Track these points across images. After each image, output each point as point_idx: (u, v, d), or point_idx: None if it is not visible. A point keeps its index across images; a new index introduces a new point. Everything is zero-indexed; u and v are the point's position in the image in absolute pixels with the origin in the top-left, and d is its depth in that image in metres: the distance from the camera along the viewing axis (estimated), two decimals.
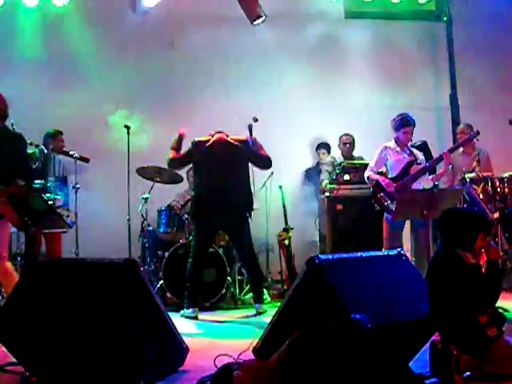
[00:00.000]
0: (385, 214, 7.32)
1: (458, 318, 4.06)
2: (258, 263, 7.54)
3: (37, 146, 7.55)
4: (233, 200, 7.19)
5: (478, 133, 7.43)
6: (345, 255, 4.45)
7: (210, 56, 9.60)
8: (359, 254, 4.50)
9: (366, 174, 7.53)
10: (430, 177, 7.32)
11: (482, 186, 7.51)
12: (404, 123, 7.35)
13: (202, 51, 9.56)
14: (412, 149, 7.46)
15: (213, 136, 7.30)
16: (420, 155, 7.44)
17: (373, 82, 9.91)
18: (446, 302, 4.09)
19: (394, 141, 7.45)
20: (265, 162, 7.49)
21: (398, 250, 4.72)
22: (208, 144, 7.24)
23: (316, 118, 9.50)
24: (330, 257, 4.20)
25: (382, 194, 7.20)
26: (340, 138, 9.26)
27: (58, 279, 4.38)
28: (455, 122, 10.04)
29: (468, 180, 7.57)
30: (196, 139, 7.29)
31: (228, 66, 9.59)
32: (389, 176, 7.36)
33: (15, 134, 6.41)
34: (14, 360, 4.50)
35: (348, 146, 9.12)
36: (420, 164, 7.25)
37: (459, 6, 10.31)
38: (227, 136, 7.36)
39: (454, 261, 4.10)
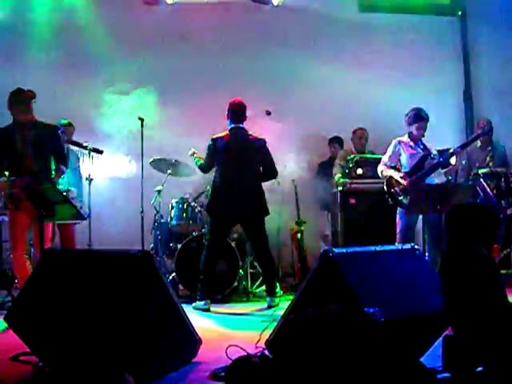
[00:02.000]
0: (398, 208, 7.31)
1: (475, 314, 4.04)
2: (271, 257, 7.52)
3: None
4: (249, 194, 7.22)
5: (491, 128, 7.41)
6: (358, 249, 4.44)
7: (222, 47, 9.58)
8: (373, 248, 4.49)
9: (380, 168, 7.51)
10: (443, 171, 7.29)
11: (495, 181, 7.50)
12: (417, 118, 7.34)
13: (214, 42, 9.55)
14: (426, 143, 7.43)
15: (231, 131, 7.31)
16: (434, 150, 7.41)
17: (386, 76, 9.87)
18: (464, 298, 4.08)
19: (407, 135, 7.44)
20: (272, 172, 7.54)
21: (412, 244, 4.72)
22: (226, 139, 7.25)
23: (329, 111, 9.49)
24: (344, 250, 4.19)
25: (395, 189, 7.18)
26: (354, 132, 9.25)
27: (72, 270, 4.41)
28: (469, 117, 10.02)
29: (481, 175, 7.57)
30: (214, 136, 7.29)
31: (241, 58, 9.56)
32: (402, 170, 7.34)
33: (47, 125, 6.57)
34: (28, 350, 4.55)
35: (363, 140, 9.12)
36: (434, 159, 7.23)
37: (474, 0, 10.27)
38: (247, 132, 7.37)
39: (473, 256, 4.08)
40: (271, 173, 7.51)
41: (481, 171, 7.61)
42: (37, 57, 8.96)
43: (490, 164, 7.61)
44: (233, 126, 7.32)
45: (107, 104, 8.69)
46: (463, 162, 7.58)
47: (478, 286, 3.98)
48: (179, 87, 9.21)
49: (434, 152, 7.36)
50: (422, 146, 7.38)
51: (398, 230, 7.30)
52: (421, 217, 7.26)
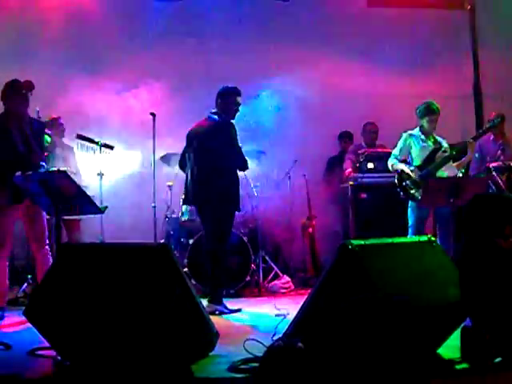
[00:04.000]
0: (409, 202, 7.31)
1: (494, 305, 4.05)
2: (214, 257, 6.84)
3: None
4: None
5: (501, 121, 7.38)
6: (376, 241, 4.45)
7: (233, 42, 9.58)
8: (390, 241, 4.50)
9: (390, 162, 7.50)
10: (455, 164, 7.27)
11: (506, 174, 7.49)
12: (428, 111, 7.34)
13: (225, 37, 9.56)
14: (437, 136, 7.43)
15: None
16: (445, 143, 7.41)
17: (396, 70, 9.86)
18: (484, 289, 4.08)
19: (418, 129, 7.44)
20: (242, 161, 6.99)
21: (429, 236, 4.72)
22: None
23: (338, 106, 9.48)
24: (363, 242, 4.20)
25: (407, 182, 7.18)
26: (364, 127, 9.27)
27: (90, 264, 4.42)
28: (478, 110, 10.00)
29: (493, 168, 7.56)
30: None
31: (252, 54, 9.54)
32: (414, 164, 7.34)
33: (38, 121, 6.50)
34: (46, 345, 4.57)
35: (373, 134, 9.13)
36: (445, 152, 7.23)
37: None
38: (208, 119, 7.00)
39: (493, 248, 4.09)
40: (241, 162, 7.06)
41: (492, 164, 7.59)
42: (47, 52, 8.94)
43: (502, 157, 7.58)
44: None
45: (119, 99, 8.68)
46: (476, 155, 7.56)
47: (499, 278, 4.00)
48: (191, 82, 9.23)
49: (445, 145, 7.35)
50: (432, 140, 7.38)
51: (409, 224, 7.30)
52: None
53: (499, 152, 7.76)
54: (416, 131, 7.44)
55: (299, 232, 8.87)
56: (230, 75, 8.77)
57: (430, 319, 4.19)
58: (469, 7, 10.36)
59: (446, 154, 7.21)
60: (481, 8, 10.24)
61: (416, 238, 4.84)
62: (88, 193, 6.01)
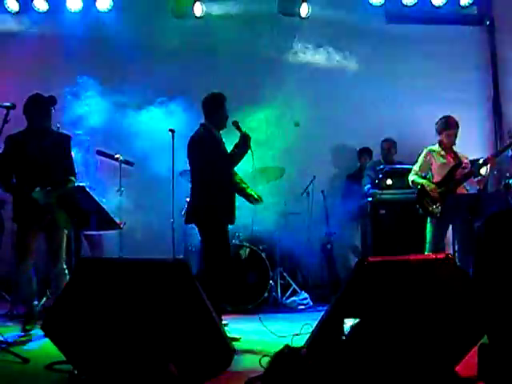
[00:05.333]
0: (428, 218, 7.29)
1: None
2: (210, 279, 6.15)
3: None
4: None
5: None
6: (394, 258, 4.45)
7: (249, 59, 9.61)
8: (407, 258, 4.50)
9: (411, 177, 7.49)
10: (476, 179, 7.24)
11: None
12: (447, 126, 7.34)
13: (241, 54, 9.59)
14: (457, 151, 7.41)
15: None
16: (465, 159, 7.39)
17: (414, 87, 9.85)
18: (503, 307, 4.06)
19: (438, 144, 7.43)
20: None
21: (446, 253, 4.70)
22: None
23: (357, 122, 9.49)
24: (380, 259, 4.20)
25: (426, 199, 7.17)
26: (382, 143, 9.28)
27: (108, 278, 4.45)
28: (497, 126, 9.97)
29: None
30: None
31: (268, 70, 9.56)
32: (434, 180, 7.32)
33: (62, 133, 6.54)
34: (63, 359, 4.60)
35: (392, 150, 9.14)
36: (465, 168, 7.21)
37: (501, 10, 10.23)
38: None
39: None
40: None
41: (511, 181, 7.56)
42: (66, 69, 9.02)
43: None
44: None
45: (137, 115, 8.72)
46: (495, 172, 7.54)
47: None
48: None
49: (466, 161, 7.34)
50: (453, 155, 7.36)
51: (427, 240, 7.28)
52: (451, 227, 7.24)
53: None
54: (436, 147, 7.44)
55: (318, 248, 8.85)
56: (244, 92, 8.83)
57: (447, 337, 4.18)
58: (488, 23, 10.34)
59: (467, 171, 7.19)
60: (499, 23, 10.21)
61: (434, 255, 4.81)
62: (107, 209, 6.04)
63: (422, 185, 7.28)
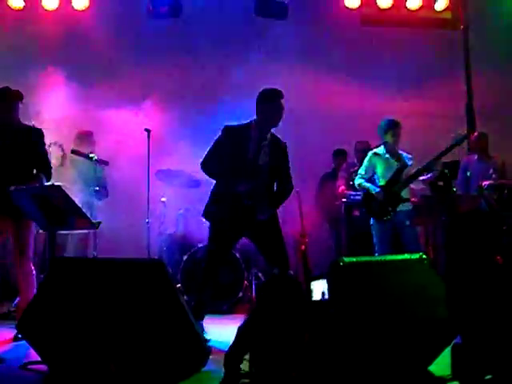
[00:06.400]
0: (371, 220, 7.38)
1: (484, 322, 4.07)
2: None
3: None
4: None
5: (463, 138, 7.46)
6: (368, 258, 4.49)
7: (227, 60, 9.62)
8: (381, 258, 4.54)
9: (357, 181, 7.61)
10: (421, 178, 7.33)
11: (497, 193, 7.53)
12: (391, 125, 7.39)
13: (220, 55, 9.60)
14: (400, 152, 7.48)
15: None
16: (408, 159, 7.46)
17: (389, 89, 9.92)
18: (474, 306, 4.11)
19: (382, 146, 7.48)
20: None
21: (420, 253, 4.75)
22: None
23: (332, 124, 9.54)
24: (354, 259, 4.23)
25: (372, 203, 7.26)
26: (355, 145, 9.31)
27: (83, 278, 4.44)
28: (471, 129, 10.04)
29: (485, 187, 7.60)
30: None
31: (245, 71, 9.56)
32: (379, 183, 7.39)
33: (30, 128, 6.24)
34: (38, 359, 4.58)
35: (364, 153, 9.16)
36: (404, 167, 7.31)
37: (475, 14, 10.32)
38: None
39: (483, 264, 4.13)
40: None
41: (484, 183, 7.64)
42: (42, 70, 8.95)
43: (494, 176, 7.62)
44: None
45: (113, 114, 8.68)
46: (462, 176, 7.65)
47: (488, 294, 4.02)
48: (185, 99, 9.26)
49: (411, 162, 7.39)
50: (397, 157, 7.40)
51: (374, 241, 7.38)
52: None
53: (491, 171, 7.79)
54: (381, 149, 7.49)
55: (292, 249, 8.86)
56: (225, 93, 8.84)
57: (421, 336, 4.22)
58: (462, 27, 10.42)
59: (413, 172, 7.24)
60: (474, 28, 10.30)
61: (407, 256, 4.86)
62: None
63: (368, 188, 7.35)
